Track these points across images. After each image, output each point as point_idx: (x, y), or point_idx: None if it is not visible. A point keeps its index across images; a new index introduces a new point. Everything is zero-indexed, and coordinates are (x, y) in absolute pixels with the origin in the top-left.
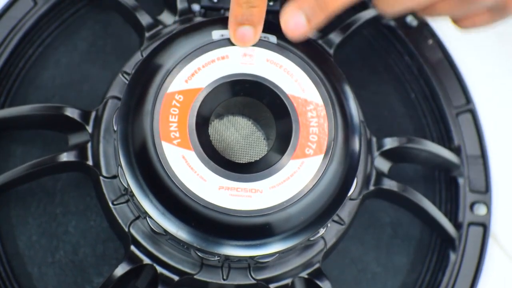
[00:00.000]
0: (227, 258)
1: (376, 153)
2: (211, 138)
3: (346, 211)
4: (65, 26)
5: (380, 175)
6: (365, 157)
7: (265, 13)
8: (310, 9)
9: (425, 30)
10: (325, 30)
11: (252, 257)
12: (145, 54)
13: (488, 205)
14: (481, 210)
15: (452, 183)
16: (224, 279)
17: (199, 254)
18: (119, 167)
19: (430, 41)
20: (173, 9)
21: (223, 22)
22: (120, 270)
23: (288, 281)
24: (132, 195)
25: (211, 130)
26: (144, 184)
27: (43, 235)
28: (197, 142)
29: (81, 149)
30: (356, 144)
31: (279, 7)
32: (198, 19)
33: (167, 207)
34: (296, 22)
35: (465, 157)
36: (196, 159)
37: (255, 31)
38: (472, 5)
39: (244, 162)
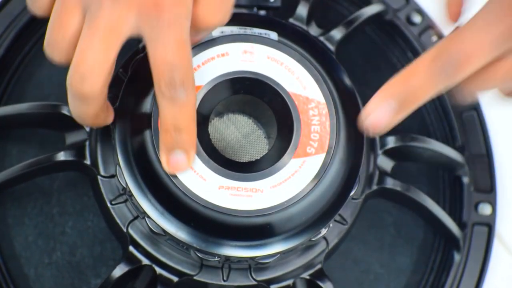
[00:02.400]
0: (227, 258)
1: (379, 152)
2: (211, 137)
3: (348, 211)
4: None
5: (383, 174)
6: (368, 156)
7: (195, 136)
8: (401, 97)
9: (428, 26)
10: (327, 27)
11: (252, 258)
12: (143, 51)
13: (493, 205)
14: (486, 210)
15: (456, 183)
16: (224, 280)
17: (198, 254)
18: (117, 166)
19: (434, 38)
20: None
21: None
22: (118, 271)
23: (289, 282)
24: (131, 194)
25: (211, 129)
26: (143, 184)
27: (40, 236)
28: (196, 141)
29: (78, 148)
30: (358, 142)
31: (279, 4)
32: None
33: (166, 207)
34: (384, 111)
35: (469, 156)
36: (195, 158)
37: (189, 157)
38: None
39: (244, 161)
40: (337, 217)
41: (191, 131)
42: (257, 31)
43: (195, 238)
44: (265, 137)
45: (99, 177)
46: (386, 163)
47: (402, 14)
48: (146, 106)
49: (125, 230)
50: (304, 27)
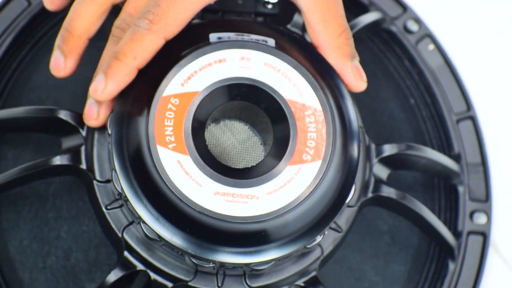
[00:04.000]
0: (222, 265)
1: (374, 160)
2: (207, 143)
3: (343, 218)
4: (59, 27)
5: (378, 182)
6: (364, 164)
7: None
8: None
9: (425, 35)
10: None
11: (247, 265)
12: None
13: (488, 214)
14: (481, 219)
15: (452, 191)
16: (219, 287)
17: (193, 260)
18: (113, 171)
19: (431, 47)
20: None
21: (220, 25)
22: (113, 276)
23: None
24: (126, 200)
25: (207, 135)
26: (139, 189)
27: (35, 240)
28: (192, 146)
29: (74, 152)
30: (354, 150)
31: (277, 10)
32: (195, 21)
33: (161, 212)
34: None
35: (465, 164)
36: (191, 164)
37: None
38: None
39: (240, 167)
40: (332, 225)
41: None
42: (254, 37)
43: (190, 244)
44: (261, 144)
45: (94, 181)
46: (381, 171)
47: (399, 22)
48: (143, 111)
49: (120, 235)
50: (301, 34)
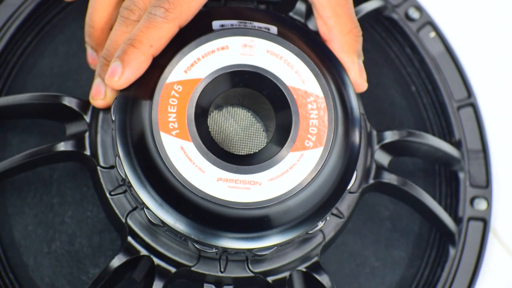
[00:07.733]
0: (225, 250)
1: (376, 146)
2: (210, 130)
3: (345, 204)
4: (64, 14)
5: (380, 168)
6: (365, 150)
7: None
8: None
9: (426, 22)
10: None
11: (250, 250)
12: None
13: (488, 200)
14: (481, 205)
15: (453, 178)
16: (221, 272)
17: (196, 246)
18: (117, 158)
19: (432, 34)
20: None
21: (223, 12)
22: (117, 261)
23: (286, 274)
24: (130, 185)
25: (210, 121)
26: (142, 175)
27: (39, 225)
28: (196, 133)
29: (78, 138)
30: (356, 137)
31: None
32: None
33: (164, 198)
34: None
35: (465, 151)
36: (194, 150)
37: (122, 72)
38: None
39: (243, 154)
40: (334, 211)
41: (140, 51)
42: (257, 25)
43: (193, 230)
44: (263, 130)
45: (98, 168)
46: (383, 158)
47: (400, 10)
48: (146, 97)
49: (124, 220)
50: (304, 21)
